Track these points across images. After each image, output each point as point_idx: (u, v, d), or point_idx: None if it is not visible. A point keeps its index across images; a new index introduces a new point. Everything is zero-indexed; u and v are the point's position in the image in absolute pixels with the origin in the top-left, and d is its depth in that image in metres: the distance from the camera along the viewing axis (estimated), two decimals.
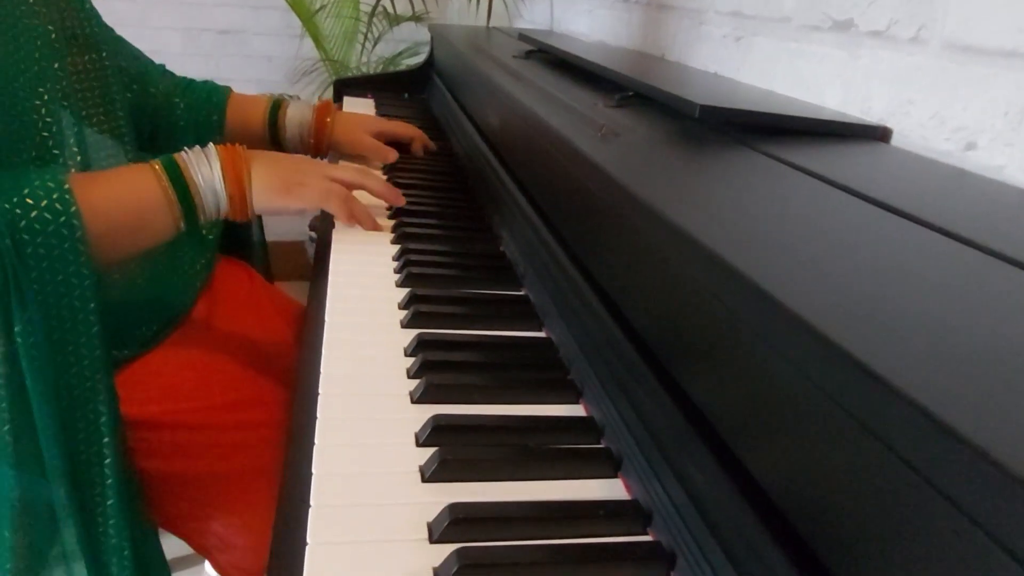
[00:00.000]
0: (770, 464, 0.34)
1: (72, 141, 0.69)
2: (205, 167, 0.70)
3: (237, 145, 0.73)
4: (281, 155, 0.79)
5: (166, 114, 0.90)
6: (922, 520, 0.25)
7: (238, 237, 1.03)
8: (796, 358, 0.32)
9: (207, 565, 0.83)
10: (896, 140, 0.68)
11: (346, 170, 0.82)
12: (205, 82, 0.99)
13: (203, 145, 0.74)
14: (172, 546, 0.77)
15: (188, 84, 0.97)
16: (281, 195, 0.74)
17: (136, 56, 0.88)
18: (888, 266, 0.38)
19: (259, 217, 1.04)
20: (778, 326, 0.33)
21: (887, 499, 0.27)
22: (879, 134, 0.68)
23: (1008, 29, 0.57)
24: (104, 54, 0.77)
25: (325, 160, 1.04)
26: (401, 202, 0.87)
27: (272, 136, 1.01)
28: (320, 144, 1.03)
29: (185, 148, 0.71)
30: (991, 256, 0.39)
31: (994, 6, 0.59)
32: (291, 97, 2.28)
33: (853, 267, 0.37)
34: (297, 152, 1.03)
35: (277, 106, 1.01)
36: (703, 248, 0.39)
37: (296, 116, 1.01)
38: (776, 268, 0.36)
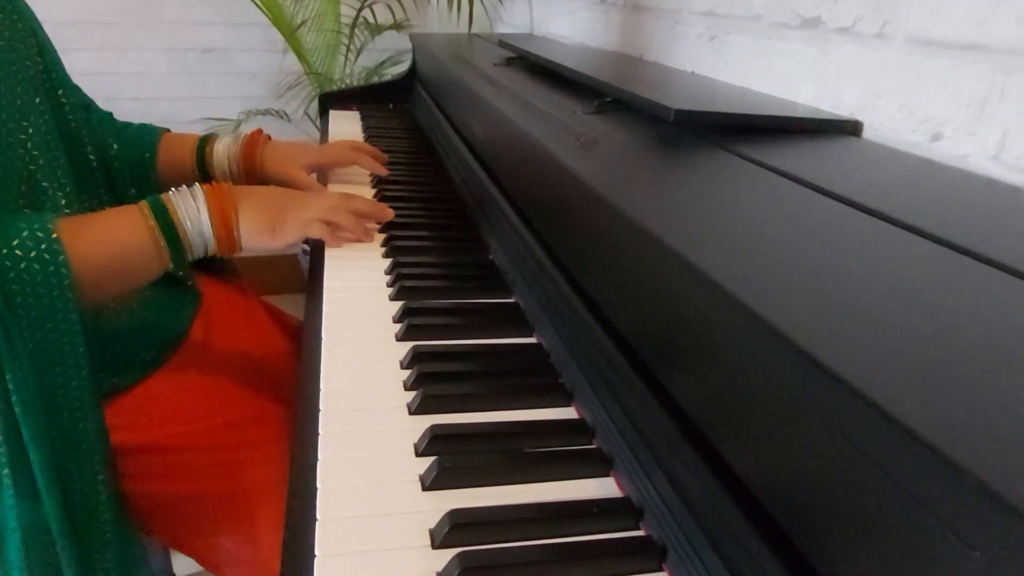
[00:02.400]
0: (749, 459, 0.36)
1: (60, 174, 0.70)
2: (192, 209, 0.70)
3: (223, 184, 0.74)
4: (267, 192, 0.79)
5: (104, 153, 0.89)
6: (885, 510, 0.27)
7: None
8: (764, 359, 0.34)
9: None
10: (867, 133, 0.70)
11: (329, 200, 0.83)
12: (141, 125, 0.99)
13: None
14: (183, 564, 0.78)
15: (124, 127, 0.96)
16: (267, 236, 0.75)
17: (85, 104, 0.89)
18: (854, 266, 0.40)
19: None
20: (745, 328, 0.35)
21: (854, 490, 0.29)
22: (851, 128, 0.70)
23: (968, 22, 0.59)
24: (60, 92, 0.77)
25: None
26: (371, 239, 0.87)
27: (201, 172, 0.99)
28: (251, 179, 0.99)
29: (172, 188, 0.72)
30: (959, 253, 0.41)
31: (954, 0, 0.61)
32: (275, 113, 2.30)
33: (819, 268, 0.39)
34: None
35: (205, 142, 0.99)
36: (675, 254, 0.41)
37: (223, 151, 0.98)
38: (744, 271, 0.38)
